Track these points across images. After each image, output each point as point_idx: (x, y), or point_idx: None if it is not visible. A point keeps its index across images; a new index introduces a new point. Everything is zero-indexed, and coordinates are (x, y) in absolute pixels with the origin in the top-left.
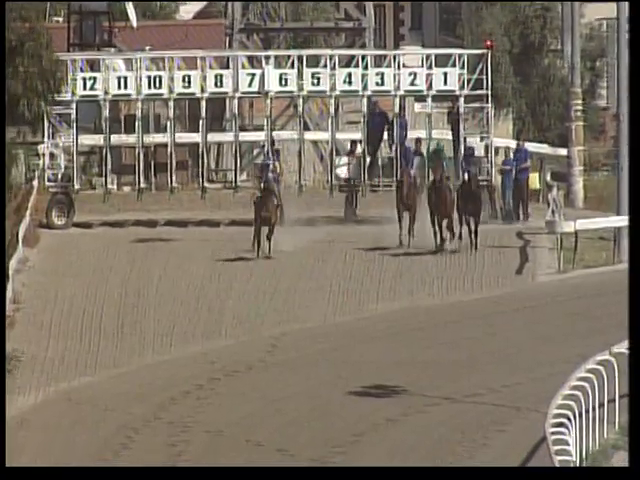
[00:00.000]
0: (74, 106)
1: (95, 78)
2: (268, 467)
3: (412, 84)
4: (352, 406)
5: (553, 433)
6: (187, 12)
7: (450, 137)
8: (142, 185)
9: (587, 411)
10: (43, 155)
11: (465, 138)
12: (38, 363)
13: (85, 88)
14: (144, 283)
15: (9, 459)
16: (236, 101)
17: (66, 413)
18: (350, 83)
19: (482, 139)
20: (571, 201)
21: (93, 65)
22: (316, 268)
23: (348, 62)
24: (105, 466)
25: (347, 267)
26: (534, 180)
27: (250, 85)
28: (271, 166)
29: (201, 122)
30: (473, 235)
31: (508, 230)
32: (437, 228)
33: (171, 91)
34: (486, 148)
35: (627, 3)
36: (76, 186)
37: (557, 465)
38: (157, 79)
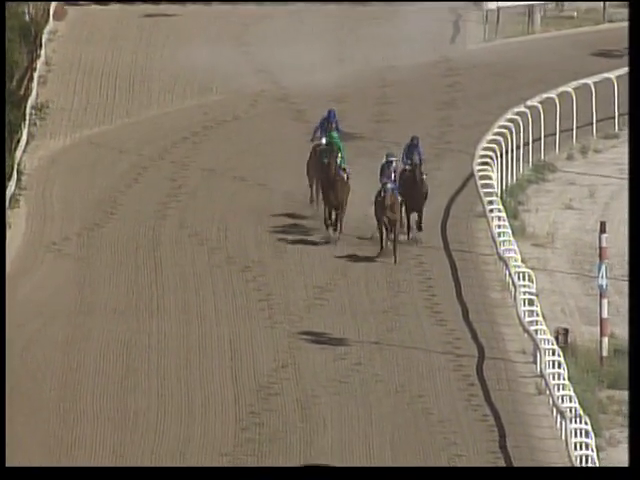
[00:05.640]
0: None
1: None
2: (269, 467)
3: None
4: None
5: (479, 170)
6: None
7: None
8: None
9: (507, 152)
10: None
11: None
12: (65, 113)
13: None
14: (151, 49)
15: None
16: None
17: (88, 154)
18: None
19: None
20: None
21: None
22: (290, 36)
23: None
24: (105, 466)
25: (324, 31)
26: None
27: None
28: (394, 164)
29: None
30: (416, 227)
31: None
32: (330, 220)
33: None
34: None
35: None
36: None
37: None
38: None
